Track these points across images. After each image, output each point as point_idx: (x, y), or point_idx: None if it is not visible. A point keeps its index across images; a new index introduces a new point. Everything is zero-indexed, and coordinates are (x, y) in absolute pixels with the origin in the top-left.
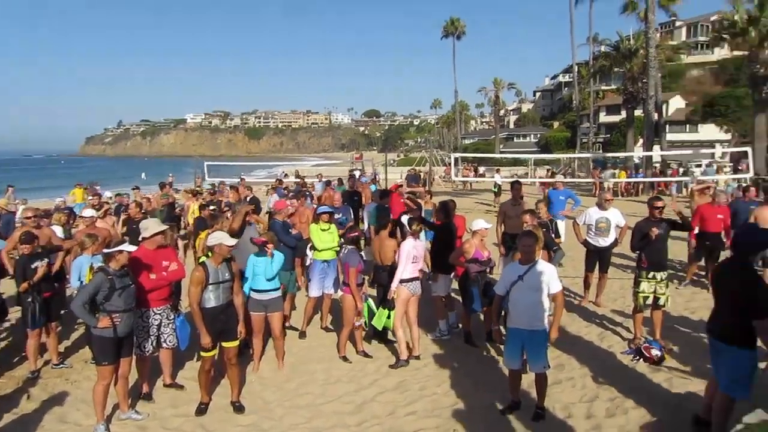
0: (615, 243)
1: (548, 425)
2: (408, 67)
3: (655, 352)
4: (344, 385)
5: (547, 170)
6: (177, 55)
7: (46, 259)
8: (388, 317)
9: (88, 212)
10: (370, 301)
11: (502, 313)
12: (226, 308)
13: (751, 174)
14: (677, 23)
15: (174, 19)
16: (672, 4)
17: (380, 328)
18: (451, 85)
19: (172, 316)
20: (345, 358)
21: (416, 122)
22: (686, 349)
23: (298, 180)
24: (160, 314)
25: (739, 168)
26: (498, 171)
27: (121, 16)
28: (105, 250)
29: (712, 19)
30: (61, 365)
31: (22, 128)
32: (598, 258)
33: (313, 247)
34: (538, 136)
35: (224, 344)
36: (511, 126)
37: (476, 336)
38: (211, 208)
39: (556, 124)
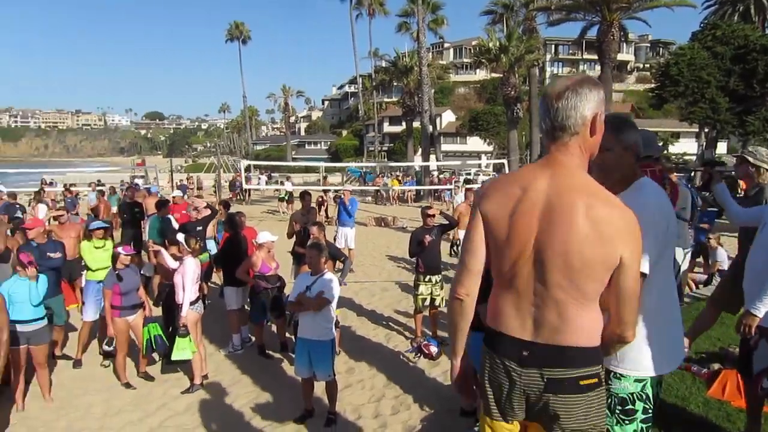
0: None
1: (339, 429)
2: (193, 68)
3: (433, 349)
4: (127, 415)
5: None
6: None
7: None
8: (190, 341)
9: None
10: (153, 326)
11: (294, 321)
12: None
13: None
14: (445, 45)
15: None
16: (440, 27)
17: (190, 357)
18: (239, 89)
19: None
20: (128, 385)
21: (204, 126)
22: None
23: (71, 190)
24: None
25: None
26: (288, 178)
27: None
28: None
29: (473, 43)
30: None
31: None
32: None
33: (86, 267)
34: (328, 143)
35: None
36: (302, 133)
37: (270, 347)
38: None
39: (344, 133)
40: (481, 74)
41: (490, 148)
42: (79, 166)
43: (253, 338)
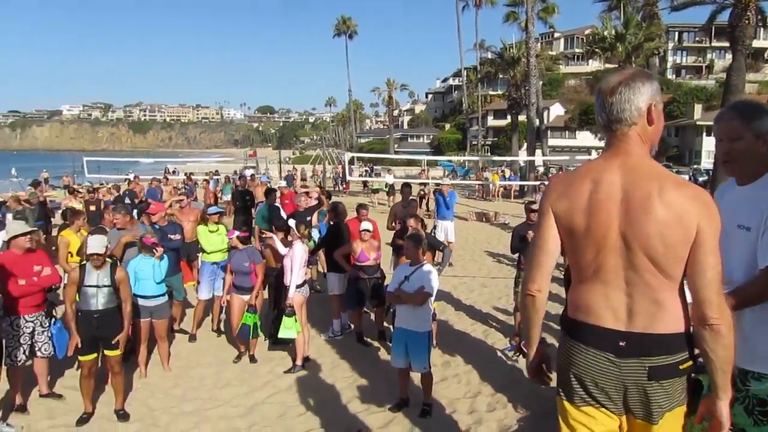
0: None
1: (434, 421)
2: (302, 64)
3: None
4: (235, 388)
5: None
6: (50, 42)
7: None
8: (296, 321)
9: None
10: (249, 315)
11: (391, 311)
12: (104, 315)
13: None
14: (555, 35)
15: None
16: (550, 16)
17: (295, 336)
18: (345, 83)
19: (47, 323)
20: (238, 359)
21: (311, 120)
22: None
23: (191, 178)
24: (32, 322)
25: None
26: (389, 171)
27: None
28: None
29: (586, 32)
30: None
31: None
32: None
33: (202, 249)
34: (431, 137)
35: (106, 353)
36: (405, 126)
37: (369, 335)
38: None
39: (447, 126)
40: (593, 65)
41: (602, 144)
42: (198, 156)
43: (352, 325)
